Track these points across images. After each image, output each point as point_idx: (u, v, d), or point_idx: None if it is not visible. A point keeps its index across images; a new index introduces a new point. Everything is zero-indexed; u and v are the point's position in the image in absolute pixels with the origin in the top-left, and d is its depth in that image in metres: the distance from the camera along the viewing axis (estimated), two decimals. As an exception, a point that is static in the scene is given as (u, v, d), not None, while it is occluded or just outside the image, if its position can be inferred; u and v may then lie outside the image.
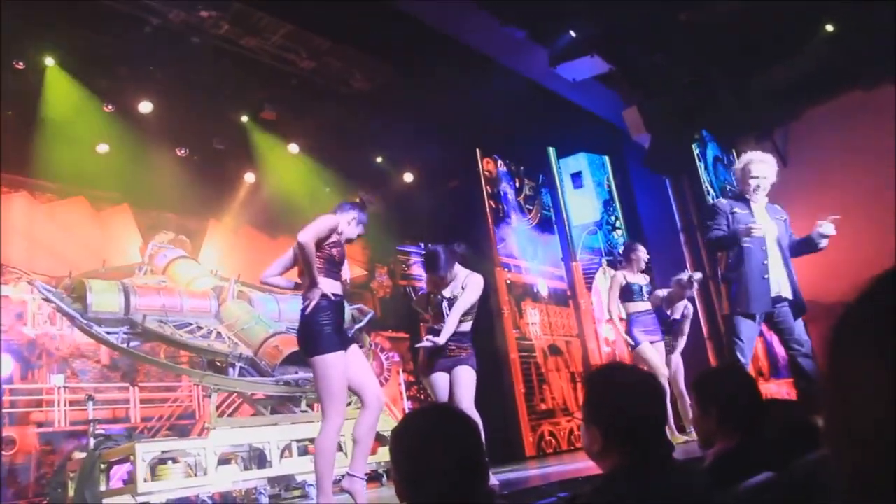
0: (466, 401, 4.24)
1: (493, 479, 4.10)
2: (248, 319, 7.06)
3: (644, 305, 6.82)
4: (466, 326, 4.45)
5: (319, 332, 3.86)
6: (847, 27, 8.48)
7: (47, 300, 6.60)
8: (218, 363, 6.65)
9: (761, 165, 5.14)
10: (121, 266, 8.30)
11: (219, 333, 6.88)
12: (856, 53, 8.49)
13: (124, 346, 6.57)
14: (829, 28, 8.64)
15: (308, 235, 3.87)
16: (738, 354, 4.95)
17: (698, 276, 7.14)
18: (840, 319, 0.70)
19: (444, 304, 4.40)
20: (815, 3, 8.30)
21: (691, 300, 7.27)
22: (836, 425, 0.70)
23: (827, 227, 5.13)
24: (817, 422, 2.58)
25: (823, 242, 5.18)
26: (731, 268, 5.08)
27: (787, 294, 5.05)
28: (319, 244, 4.01)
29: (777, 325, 5.06)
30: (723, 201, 5.37)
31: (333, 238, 4.09)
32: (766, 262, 5.03)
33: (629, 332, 6.73)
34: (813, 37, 8.81)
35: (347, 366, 3.94)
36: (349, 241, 4.30)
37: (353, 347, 4.15)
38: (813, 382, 4.79)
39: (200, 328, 6.88)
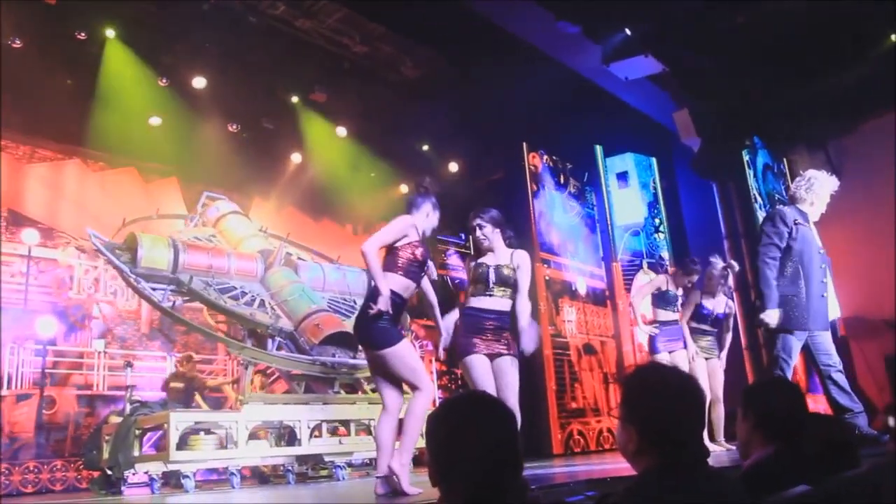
0: (513, 395, 4.03)
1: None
2: (291, 290, 6.99)
3: (673, 316, 6.74)
4: (508, 304, 4.11)
5: (378, 328, 3.86)
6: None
7: (98, 251, 6.65)
8: (258, 331, 6.66)
9: (825, 190, 4.95)
10: (172, 214, 8.39)
11: (262, 302, 6.87)
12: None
13: (168, 305, 6.57)
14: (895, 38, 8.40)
15: (370, 244, 3.86)
16: (784, 372, 4.78)
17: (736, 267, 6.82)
18: None
19: (491, 272, 4.10)
20: (879, 10, 8.06)
21: (729, 295, 7.09)
22: None
23: None
24: (855, 440, 2.54)
25: None
26: (787, 283, 4.84)
27: (836, 315, 4.92)
28: (394, 245, 3.97)
29: (817, 344, 4.89)
30: (788, 210, 5.03)
31: (413, 237, 4.00)
32: (824, 280, 4.89)
33: (652, 340, 6.70)
34: (874, 47, 8.57)
35: None
36: (434, 231, 4.26)
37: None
38: (852, 396, 4.68)
39: (245, 293, 6.87)
